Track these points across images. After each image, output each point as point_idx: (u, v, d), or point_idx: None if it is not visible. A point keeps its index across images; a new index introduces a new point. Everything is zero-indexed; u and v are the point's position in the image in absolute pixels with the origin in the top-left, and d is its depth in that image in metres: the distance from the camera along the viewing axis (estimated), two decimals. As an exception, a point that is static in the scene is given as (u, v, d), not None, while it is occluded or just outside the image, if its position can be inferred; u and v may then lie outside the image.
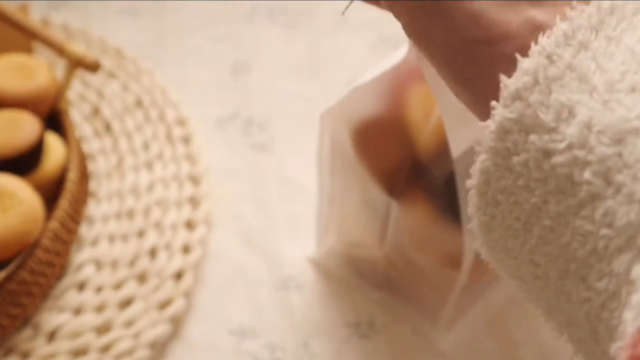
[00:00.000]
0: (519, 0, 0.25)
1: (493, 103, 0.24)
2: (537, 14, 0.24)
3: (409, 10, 0.27)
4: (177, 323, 0.46)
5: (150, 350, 0.44)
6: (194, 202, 0.52)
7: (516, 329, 0.46)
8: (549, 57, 0.23)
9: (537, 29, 0.24)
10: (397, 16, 0.28)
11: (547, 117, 0.23)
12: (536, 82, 0.23)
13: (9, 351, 0.44)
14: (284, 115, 0.58)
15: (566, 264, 0.23)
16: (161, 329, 0.45)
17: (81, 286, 0.47)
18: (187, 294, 0.47)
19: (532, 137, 0.23)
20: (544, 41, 0.23)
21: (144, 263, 0.48)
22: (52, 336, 0.45)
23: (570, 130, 0.22)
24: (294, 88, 0.61)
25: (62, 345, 0.44)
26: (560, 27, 0.23)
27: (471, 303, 0.46)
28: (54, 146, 0.49)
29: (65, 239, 0.46)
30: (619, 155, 0.21)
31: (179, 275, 0.48)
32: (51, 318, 0.45)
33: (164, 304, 0.46)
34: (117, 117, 0.57)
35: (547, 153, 0.23)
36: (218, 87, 0.60)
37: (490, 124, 0.24)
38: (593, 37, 0.23)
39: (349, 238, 0.47)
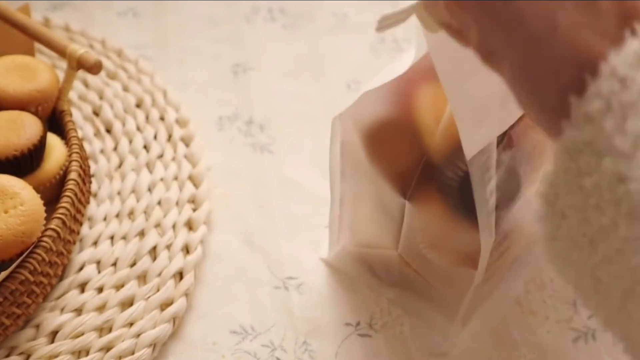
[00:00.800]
0: (603, 14, 0.24)
1: (564, 122, 0.23)
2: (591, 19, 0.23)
3: (480, 30, 0.26)
4: (177, 323, 0.46)
5: (151, 349, 0.44)
6: (194, 202, 0.52)
7: (516, 329, 0.46)
8: (621, 80, 0.22)
9: (600, 37, 0.23)
10: (466, 35, 0.27)
11: (623, 144, 0.22)
12: (609, 107, 0.22)
13: (11, 351, 0.44)
14: (284, 116, 0.59)
15: (632, 285, 0.23)
16: (162, 329, 0.45)
17: (82, 286, 0.47)
18: (188, 294, 0.47)
19: (607, 161, 0.22)
20: (614, 60, 0.22)
21: (145, 263, 0.48)
22: (53, 336, 0.45)
23: None
24: (294, 88, 0.61)
25: (64, 344, 0.44)
26: (632, 45, 0.22)
27: (482, 301, 0.46)
28: (56, 147, 0.49)
29: (67, 239, 0.46)
30: None
31: (179, 275, 0.48)
32: (53, 318, 0.45)
33: (164, 304, 0.46)
34: (118, 118, 0.57)
35: (622, 179, 0.22)
36: (218, 88, 0.61)
37: (561, 142, 0.23)
38: None
39: (362, 239, 0.47)
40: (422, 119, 0.39)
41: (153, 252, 0.49)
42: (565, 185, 0.24)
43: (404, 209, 0.41)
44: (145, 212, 0.51)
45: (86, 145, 0.54)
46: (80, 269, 0.48)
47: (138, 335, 0.45)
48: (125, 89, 0.59)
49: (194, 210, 0.51)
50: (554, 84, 0.24)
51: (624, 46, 0.22)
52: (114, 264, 0.48)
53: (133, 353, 0.44)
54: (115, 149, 0.55)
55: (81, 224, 0.49)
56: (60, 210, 0.46)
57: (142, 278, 0.48)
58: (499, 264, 0.44)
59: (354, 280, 0.48)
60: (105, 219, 0.51)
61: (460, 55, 0.31)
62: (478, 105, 0.35)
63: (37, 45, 0.56)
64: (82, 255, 0.48)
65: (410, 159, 0.40)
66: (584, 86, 0.23)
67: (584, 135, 0.23)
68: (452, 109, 0.35)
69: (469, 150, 0.35)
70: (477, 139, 0.35)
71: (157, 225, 0.50)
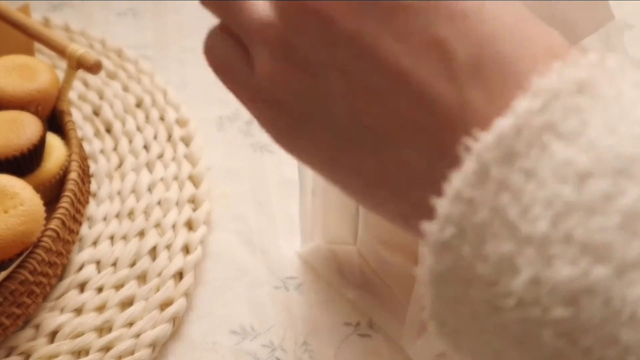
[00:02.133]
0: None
1: (422, 249, 0.21)
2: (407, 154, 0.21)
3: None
4: (177, 323, 0.46)
5: (151, 349, 0.44)
6: (194, 202, 0.52)
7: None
8: (469, 202, 0.20)
9: (437, 159, 0.21)
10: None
11: (485, 270, 0.20)
12: (463, 231, 0.20)
13: (10, 351, 0.44)
14: (284, 116, 0.58)
15: None
16: (162, 329, 0.45)
17: (82, 286, 0.47)
18: (188, 294, 0.47)
19: (474, 291, 0.20)
20: (457, 182, 0.20)
21: (144, 263, 0.48)
22: (53, 336, 0.45)
23: (516, 286, 0.19)
24: (294, 88, 0.61)
25: (64, 344, 0.44)
26: (469, 165, 0.20)
27: None
28: (55, 147, 0.49)
29: (67, 239, 0.46)
30: (577, 318, 0.18)
31: (179, 275, 0.48)
32: (52, 318, 0.45)
33: (164, 304, 0.46)
34: (118, 118, 0.57)
35: (495, 309, 0.20)
36: (218, 88, 0.60)
37: (424, 271, 0.21)
38: (508, 172, 0.19)
39: (331, 234, 0.47)
40: None
41: (153, 252, 0.49)
42: (447, 312, 0.22)
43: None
44: (145, 212, 0.51)
45: (86, 145, 0.54)
46: (80, 269, 0.48)
47: (138, 336, 0.45)
48: (125, 89, 0.59)
49: (194, 210, 0.51)
50: (392, 209, 0.23)
51: (462, 165, 0.20)
52: (114, 264, 0.48)
53: (133, 353, 0.44)
54: (115, 149, 0.55)
55: (81, 224, 0.49)
56: (60, 211, 0.46)
57: (142, 278, 0.48)
58: None
59: (323, 278, 0.48)
60: (105, 219, 0.51)
61: None
62: None
63: (37, 45, 0.56)
64: (82, 255, 0.48)
65: None
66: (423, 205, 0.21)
67: (445, 264, 0.21)
68: None
69: None
70: None
71: (157, 225, 0.50)
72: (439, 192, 0.20)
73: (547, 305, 0.19)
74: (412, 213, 0.22)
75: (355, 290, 0.47)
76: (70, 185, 0.47)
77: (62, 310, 0.46)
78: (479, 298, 0.20)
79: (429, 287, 0.21)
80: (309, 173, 0.44)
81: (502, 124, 0.19)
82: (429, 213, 0.21)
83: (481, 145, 0.20)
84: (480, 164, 0.19)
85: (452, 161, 0.20)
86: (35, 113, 0.49)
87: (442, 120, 0.21)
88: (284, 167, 0.55)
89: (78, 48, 0.50)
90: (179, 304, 0.46)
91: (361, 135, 0.23)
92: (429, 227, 0.20)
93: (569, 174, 0.19)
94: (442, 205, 0.20)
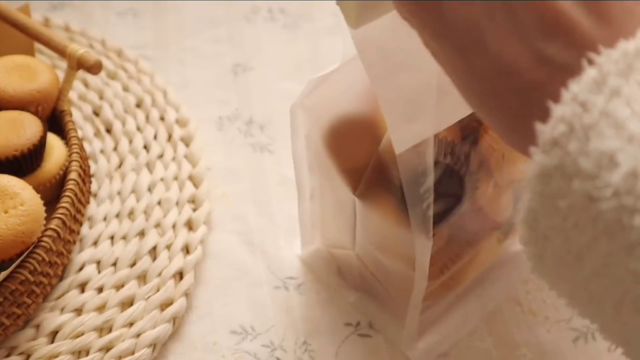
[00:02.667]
0: (527, 29, 0.25)
1: (532, 149, 0.24)
2: (552, 51, 0.24)
3: (422, 29, 0.27)
4: (177, 323, 0.46)
5: (151, 349, 0.44)
6: (194, 202, 0.52)
7: (515, 329, 0.46)
8: (582, 104, 0.23)
9: (559, 70, 0.24)
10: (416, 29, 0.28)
11: (587, 164, 0.23)
12: (572, 129, 0.23)
13: (11, 351, 0.44)
14: (284, 116, 0.58)
15: (622, 295, 0.24)
16: (162, 329, 0.45)
17: (82, 286, 0.47)
18: (188, 294, 0.47)
19: (576, 183, 0.23)
20: (575, 87, 0.23)
21: (145, 263, 0.48)
22: (53, 336, 0.45)
23: (615, 178, 0.22)
24: (294, 88, 0.60)
25: (64, 344, 0.44)
26: (590, 73, 0.23)
27: (444, 314, 0.45)
28: (56, 147, 0.49)
29: (67, 239, 0.46)
30: None
31: (179, 275, 0.48)
32: (53, 318, 0.45)
33: (164, 304, 0.46)
34: (118, 118, 0.57)
35: (593, 199, 0.23)
36: (218, 88, 0.61)
37: (531, 168, 0.24)
38: (624, 82, 0.23)
39: (329, 238, 0.47)
40: (381, 114, 0.38)
41: (153, 252, 0.49)
42: (543, 209, 0.25)
43: (355, 206, 0.40)
44: (145, 212, 0.51)
45: (86, 145, 0.54)
46: (80, 269, 0.48)
47: (138, 335, 0.45)
48: (125, 89, 0.59)
49: (194, 210, 0.51)
50: (503, 105, 0.25)
51: (583, 74, 0.23)
52: (114, 264, 0.48)
53: (133, 353, 0.44)
54: (115, 149, 0.55)
55: (81, 224, 0.49)
56: (60, 210, 0.46)
57: (142, 278, 0.48)
58: (459, 275, 0.43)
59: (323, 280, 0.48)
60: (105, 219, 0.51)
61: (389, 49, 0.30)
62: (409, 99, 0.34)
63: (37, 45, 0.56)
64: (82, 255, 0.48)
65: (366, 154, 0.39)
66: (541, 110, 0.24)
67: (552, 159, 0.24)
68: (380, 102, 0.33)
69: (399, 145, 0.34)
70: (408, 134, 0.34)
71: (157, 225, 0.50)
72: (556, 99, 0.24)
73: None
74: (527, 114, 0.25)
75: (356, 292, 0.47)
76: (70, 185, 0.47)
77: (62, 310, 0.46)
78: (579, 191, 0.23)
79: (534, 182, 0.24)
80: (306, 178, 0.44)
81: (626, 44, 0.24)
82: (543, 116, 0.24)
83: (604, 58, 0.23)
84: (600, 73, 0.23)
85: (574, 73, 0.24)
86: (36, 113, 0.49)
87: (574, 41, 0.24)
88: (284, 167, 0.55)
89: (78, 48, 0.50)
90: (179, 304, 0.46)
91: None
92: (542, 127, 0.24)
93: None
94: (558, 107, 0.23)
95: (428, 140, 0.35)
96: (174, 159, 0.54)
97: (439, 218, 0.38)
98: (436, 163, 0.36)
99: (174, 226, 0.50)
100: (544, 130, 0.24)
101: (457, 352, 0.45)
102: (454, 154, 0.38)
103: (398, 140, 0.34)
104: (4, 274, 0.42)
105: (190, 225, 0.50)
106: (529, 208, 0.25)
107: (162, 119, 0.57)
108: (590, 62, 0.24)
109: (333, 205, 0.44)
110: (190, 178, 0.53)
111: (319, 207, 0.45)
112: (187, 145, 0.55)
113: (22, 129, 0.47)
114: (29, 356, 0.44)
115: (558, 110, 0.23)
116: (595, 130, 0.23)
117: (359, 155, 0.39)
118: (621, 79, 0.23)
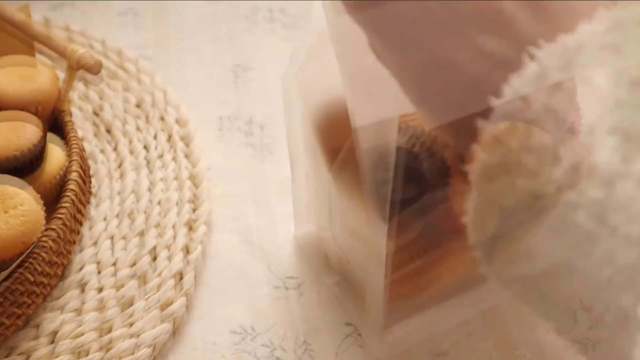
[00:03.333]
0: (464, 23, 0.24)
1: (474, 146, 0.24)
2: (491, 45, 0.24)
3: (363, 26, 0.27)
4: (177, 323, 0.46)
5: (151, 349, 0.44)
6: (194, 202, 0.52)
7: (514, 328, 0.46)
8: (524, 99, 0.23)
9: (499, 65, 0.23)
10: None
11: (530, 161, 0.22)
12: (514, 127, 0.23)
13: (11, 351, 0.44)
14: (284, 116, 0.59)
15: (572, 294, 0.24)
16: (162, 329, 0.45)
17: (82, 286, 0.47)
18: (188, 294, 0.47)
19: (519, 181, 0.23)
20: (516, 82, 0.23)
21: (144, 263, 0.48)
22: (53, 336, 0.45)
23: (557, 175, 0.22)
24: (294, 89, 0.61)
25: (64, 344, 0.44)
26: (531, 67, 0.23)
27: (410, 315, 0.44)
28: (56, 147, 0.49)
29: (67, 239, 0.46)
30: (610, 198, 0.21)
31: (179, 275, 0.48)
32: (53, 318, 0.45)
33: (164, 304, 0.46)
34: (118, 118, 0.57)
35: (537, 197, 0.23)
36: (218, 88, 0.61)
37: (475, 167, 0.24)
38: (564, 77, 0.23)
39: (317, 219, 0.46)
40: None
41: (153, 252, 0.49)
42: (489, 208, 0.24)
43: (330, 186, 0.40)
44: (145, 212, 0.51)
45: (86, 145, 0.54)
46: (80, 269, 0.48)
47: (138, 335, 0.45)
48: (125, 89, 0.59)
49: (194, 210, 0.51)
50: (444, 101, 0.25)
51: (524, 68, 0.23)
52: (114, 264, 0.48)
53: (133, 353, 0.44)
54: (115, 149, 0.55)
55: (81, 224, 0.49)
56: (61, 210, 0.46)
57: (142, 278, 0.48)
58: (430, 274, 0.42)
59: (311, 265, 0.48)
60: (105, 219, 0.51)
61: (357, 27, 0.30)
62: (372, 74, 0.33)
63: (37, 45, 0.56)
64: (82, 255, 0.48)
65: (350, 134, 0.37)
66: (482, 106, 0.24)
67: (495, 157, 0.23)
68: (342, 76, 0.33)
69: (358, 119, 0.33)
70: (368, 110, 0.33)
71: (157, 225, 0.50)
72: (497, 94, 0.23)
73: (582, 189, 0.22)
74: (468, 110, 0.24)
75: (336, 276, 0.46)
76: (70, 185, 0.47)
77: (62, 310, 0.46)
78: (522, 188, 0.23)
79: (479, 181, 0.24)
80: (301, 155, 0.43)
81: (567, 39, 0.23)
82: (485, 112, 0.23)
83: (545, 52, 0.23)
84: (542, 68, 0.23)
85: (515, 68, 0.23)
86: (36, 113, 0.49)
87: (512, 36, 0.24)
88: (284, 167, 0.55)
89: (78, 48, 0.50)
90: (179, 304, 0.46)
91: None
92: (484, 123, 0.23)
93: (623, 80, 0.22)
94: (499, 103, 0.23)
95: (391, 121, 0.33)
96: (174, 158, 0.54)
97: (404, 205, 0.37)
98: (404, 149, 0.35)
99: (173, 226, 0.50)
100: (486, 127, 0.23)
101: (457, 352, 0.45)
102: (424, 143, 0.37)
103: (357, 113, 0.33)
104: (4, 274, 0.42)
105: (190, 225, 0.51)
106: (475, 208, 0.25)
107: (162, 118, 0.57)
108: (531, 57, 0.23)
109: (314, 185, 0.43)
110: (190, 178, 0.53)
111: (313, 185, 0.45)
112: (187, 145, 0.55)
113: (22, 129, 0.47)
114: (29, 356, 0.44)
115: (499, 107, 0.23)
116: (538, 125, 0.23)
117: (343, 134, 0.38)
118: (562, 74, 0.23)
